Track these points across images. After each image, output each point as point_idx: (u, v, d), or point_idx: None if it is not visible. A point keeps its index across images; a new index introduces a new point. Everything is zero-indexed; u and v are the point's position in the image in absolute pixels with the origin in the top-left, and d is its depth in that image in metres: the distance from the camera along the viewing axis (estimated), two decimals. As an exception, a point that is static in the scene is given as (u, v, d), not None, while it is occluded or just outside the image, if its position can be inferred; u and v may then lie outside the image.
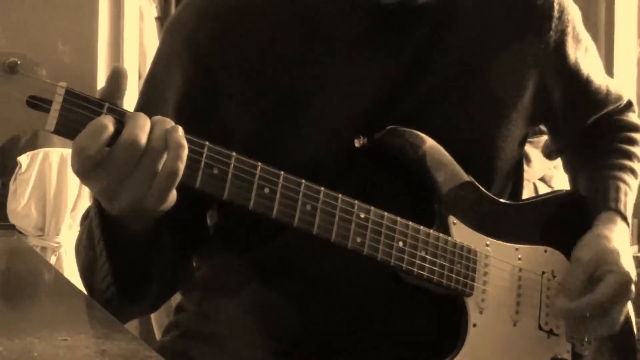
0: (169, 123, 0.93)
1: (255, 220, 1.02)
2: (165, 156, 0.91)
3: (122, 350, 0.73)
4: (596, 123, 1.34)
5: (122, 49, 4.41)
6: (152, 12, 4.55)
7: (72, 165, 0.91)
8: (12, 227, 1.60)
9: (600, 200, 1.26)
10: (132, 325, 3.09)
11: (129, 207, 0.93)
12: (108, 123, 0.89)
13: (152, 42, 4.50)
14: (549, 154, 1.40)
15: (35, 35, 4.03)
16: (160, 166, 0.91)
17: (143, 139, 0.90)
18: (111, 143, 0.90)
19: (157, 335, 1.51)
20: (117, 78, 0.93)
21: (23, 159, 3.57)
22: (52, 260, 3.53)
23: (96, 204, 0.99)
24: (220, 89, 1.13)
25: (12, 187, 3.60)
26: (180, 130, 0.92)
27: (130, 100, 1.17)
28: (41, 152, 3.58)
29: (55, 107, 0.89)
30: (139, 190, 0.92)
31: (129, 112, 0.92)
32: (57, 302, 1.02)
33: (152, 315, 1.60)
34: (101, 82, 4.22)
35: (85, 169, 0.91)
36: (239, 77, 1.13)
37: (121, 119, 0.91)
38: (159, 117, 0.93)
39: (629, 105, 1.38)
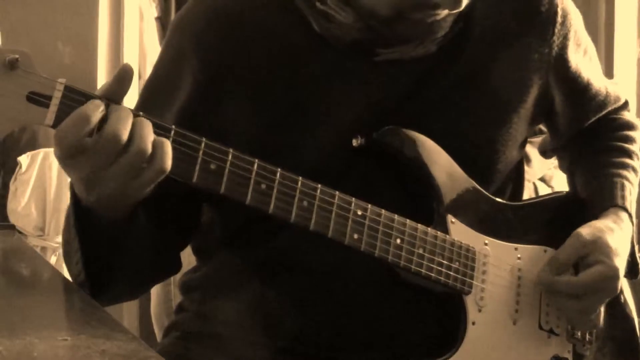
0: (147, 124, 0.93)
1: (255, 220, 1.02)
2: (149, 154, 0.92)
3: (122, 350, 0.74)
4: (594, 123, 1.34)
5: (122, 49, 4.40)
6: (152, 12, 4.53)
7: (55, 152, 0.92)
8: (12, 227, 1.60)
9: (606, 198, 1.26)
10: (133, 326, 3.09)
11: (108, 195, 0.94)
12: (91, 114, 0.89)
13: (152, 42, 4.49)
14: (544, 152, 1.40)
15: (35, 35, 4.03)
16: (142, 159, 0.92)
17: (124, 134, 0.90)
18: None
19: (158, 335, 1.51)
20: (123, 78, 0.93)
21: (23, 159, 3.56)
22: (52, 260, 3.53)
23: (72, 192, 1.00)
24: (225, 92, 1.12)
25: (12, 187, 3.59)
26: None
27: (130, 101, 1.17)
28: (41, 152, 3.57)
29: (55, 102, 0.90)
30: (120, 180, 0.93)
31: (116, 105, 0.92)
32: (57, 302, 1.02)
33: (153, 316, 1.59)
34: (101, 82, 4.21)
35: (66, 156, 0.92)
36: (244, 81, 1.12)
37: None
38: (141, 118, 0.93)
39: (624, 105, 1.38)
